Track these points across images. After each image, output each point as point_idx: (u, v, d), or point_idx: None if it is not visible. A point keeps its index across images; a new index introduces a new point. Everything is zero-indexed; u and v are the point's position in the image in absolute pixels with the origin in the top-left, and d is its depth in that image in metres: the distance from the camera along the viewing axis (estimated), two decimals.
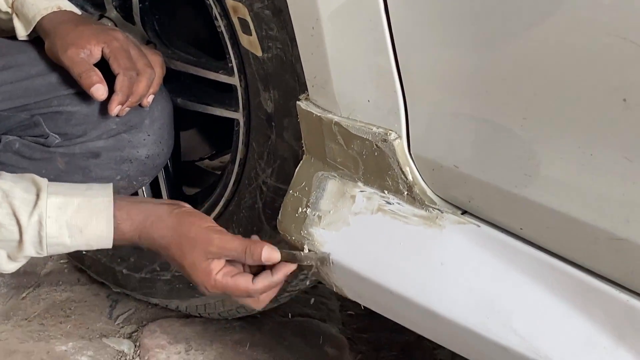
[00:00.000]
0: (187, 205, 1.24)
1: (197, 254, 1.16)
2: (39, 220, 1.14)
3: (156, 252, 1.21)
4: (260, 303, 1.22)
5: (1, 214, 1.13)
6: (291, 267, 1.20)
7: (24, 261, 1.19)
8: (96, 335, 1.74)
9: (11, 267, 1.19)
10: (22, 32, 1.38)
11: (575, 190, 0.93)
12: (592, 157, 0.90)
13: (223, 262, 1.18)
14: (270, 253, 1.17)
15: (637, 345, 0.94)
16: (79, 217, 1.16)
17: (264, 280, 1.18)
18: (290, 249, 1.25)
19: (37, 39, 1.38)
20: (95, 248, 1.20)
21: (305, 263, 1.20)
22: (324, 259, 1.19)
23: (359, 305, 1.27)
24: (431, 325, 1.12)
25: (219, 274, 1.17)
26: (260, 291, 1.18)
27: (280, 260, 1.19)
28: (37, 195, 1.15)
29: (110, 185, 1.21)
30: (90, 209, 1.17)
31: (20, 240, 1.14)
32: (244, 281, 1.17)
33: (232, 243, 1.17)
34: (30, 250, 1.16)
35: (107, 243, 1.18)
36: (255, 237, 1.22)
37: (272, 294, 1.22)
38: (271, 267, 1.19)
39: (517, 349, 1.01)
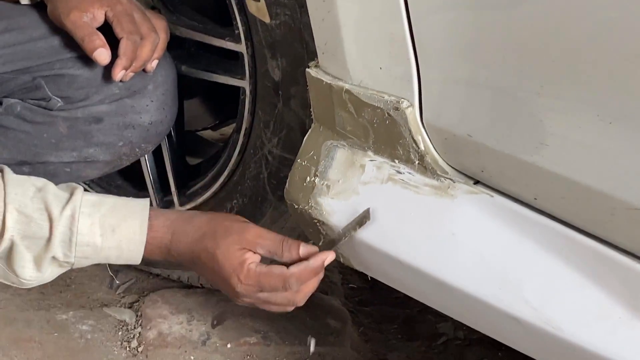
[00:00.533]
0: None
1: (231, 241, 1.13)
2: (72, 215, 1.11)
3: (188, 256, 1.16)
4: (299, 295, 1.16)
5: (32, 208, 1.10)
6: (331, 256, 1.15)
7: (46, 273, 1.13)
8: (97, 304, 1.73)
9: (34, 275, 1.12)
10: None
11: (593, 159, 0.92)
12: (611, 126, 0.88)
13: (258, 258, 1.14)
14: (307, 249, 1.14)
15: None
16: (113, 215, 1.13)
17: (299, 265, 1.13)
18: (297, 220, 1.24)
19: (40, 2, 1.36)
20: (125, 255, 1.15)
21: (344, 239, 1.16)
22: (365, 218, 1.14)
23: (361, 278, 1.26)
24: (441, 296, 1.11)
25: (252, 264, 1.13)
26: (298, 276, 1.13)
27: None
28: (72, 193, 1.13)
29: (147, 200, 1.19)
30: (125, 209, 1.15)
31: (50, 238, 1.10)
32: (278, 268, 1.13)
33: (269, 234, 1.15)
34: (58, 250, 1.11)
35: (139, 246, 1.14)
36: None
37: (311, 285, 1.16)
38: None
39: (529, 320, 1.00)
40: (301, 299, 1.17)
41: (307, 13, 1.14)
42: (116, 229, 1.13)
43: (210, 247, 1.14)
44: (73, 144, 1.37)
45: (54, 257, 1.12)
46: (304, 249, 1.14)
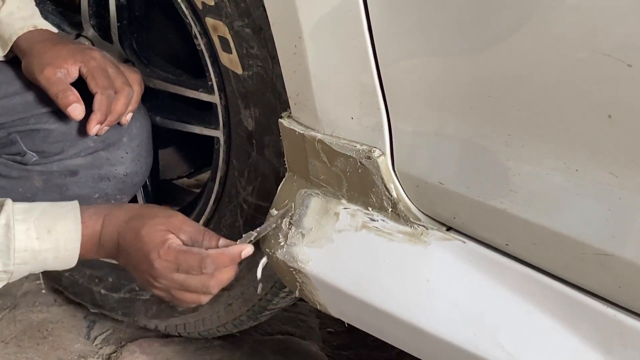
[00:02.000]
0: None
1: (157, 222, 1.15)
2: (7, 223, 1.11)
3: (114, 240, 1.17)
4: (213, 281, 1.15)
5: None
6: (249, 249, 1.15)
7: None
8: (74, 356, 1.72)
9: None
10: None
11: (561, 205, 0.94)
12: (578, 173, 0.90)
13: (179, 242, 1.15)
14: (227, 241, 1.17)
15: (625, 359, 0.94)
16: (46, 217, 1.14)
17: (217, 249, 1.15)
18: (273, 268, 1.25)
19: (14, 58, 1.37)
20: (62, 255, 1.15)
21: (267, 231, 1.19)
22: (288, 211, 1.19)
23: (339, 322, 1.26)
24: (417, 342, 1.12)
25: (173, 244, 1.14)
26: (213, 258, 1.13)
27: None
28: (2, 205, 1.13)
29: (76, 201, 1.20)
30: (56, 210, 1.16)
31: None
32: (197, 249, 1.14)
33: (194, 223, 1.18)
34: None
35: (76, 243, 1.15)
36: None
37: (226, 274, 1.16)
38: None
39: None
40: (214, 285, 1.16)
41: (279, 64, 1.16)
42: (51, 229, 1.14)
43: (136, 227, 1.15)
44: (48, 198, 1.38)
45: None
46: (223, 241, 1.16)
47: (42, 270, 1.18)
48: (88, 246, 1.17)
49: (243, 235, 1.19)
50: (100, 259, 1.68)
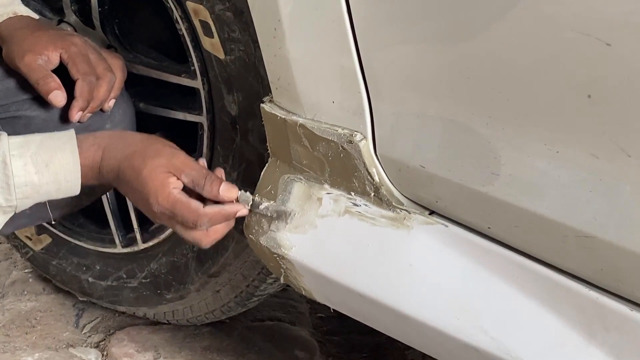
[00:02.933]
0: None
1: (158, 163, 1.14)
2: (3, 160, 1.11)
3: (115, 172, 1.17)
4: (208, 237, 1.18)
5: None
6: (244, 210, 1.18)
7: None
8: (63, 345, 1.71)
9: None
10: None
11: (542, 188, 0.93)
12: (558, 154, 0.89)
13: (181, 185, 1.15)
14: (228, 188, 1.16)
15: (608, 342, 0.93)
16: (42, 151, 1.14)
17: (214, 207, 1.16)
18: (257, 254, 1.24)
19: None
20: (64, 187, 1.16)
21: (260, 210, 1.20)
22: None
23: (329, 308, 1.26)
24: (401, 327, 1.11)
25: (175, 189, 1.14)
26: (210, 217, 1.15)
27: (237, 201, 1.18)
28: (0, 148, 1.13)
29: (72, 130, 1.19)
30: (53, 142, 1.15)
31: None
32: (196, 204, 1.15)
33: (196, 165, 1.17)
34: None
35: (75, 174, 1.15)
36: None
37: (221, 230, 1.19)
38: None
39: (487, 349, 1.00)
40: (207, 242, 1.19)
41: (260, 48, 1.14)
42: (49, 163, 1.14)
43: (137, 166, 1.15)
44: None
45: None
46: (225, 188, 1.16)
47: (48, 200, 1.19)
48: (89, 176, 1.18)
49: (240, 191, 1.19)
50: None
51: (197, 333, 1.73)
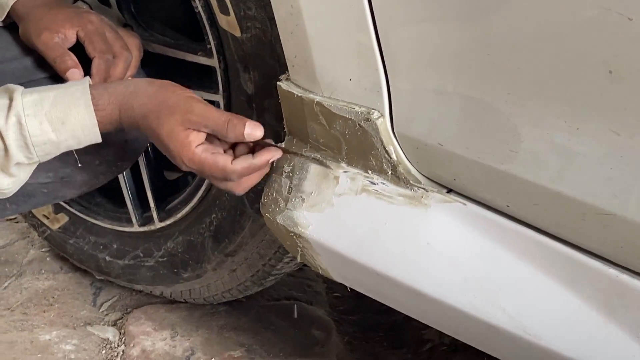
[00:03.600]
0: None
1: (175, 121, 1.11)
2: (18, 121, 1.10)
3: (135, 129, 1.15)
4: (240, 186, 1.16)
5: None
6: (276, 154, 1.15)
7: (20, 175, 1.15)
8: (80, 323, 1.72)
9: (7, 182, 1.14)
10: None
11: (562, 165, 0.92)
12: (579, 131, 0.88)
13: (203, 137, 1.12)
14: (253, 128, 1.12)
15: (627, 320, 0.93)
16: (57, 109, 1.12)
17: (243, 161, 1.13)
18: (274, 233, 1.24)
19: (12, 23, 1.35)
20: (84, 139, 1.15)
21: (291, 149, 1.18)
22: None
23: (345, 287, 1.26)
24: (419, 306, 1.11)
25: (198, 148, 1.11)
26: (239, 173, 1.13)
27: (265, 143, 1.15)
28: (11, 99, 1.12)
29: (87, 77, 1.18)
30: (67, 98, 1.13)
31: (5, 148, 1.10)
32: (223, 159, 1.12)
33: (214, 112, 1.12)
34: (19, 155, 1.12)
35: (94, 130, 1.14)
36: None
37: (254, 178, 1.16)
38: (253, 153, 1.15)
39: (506, 328, 1.00)
40: (241, 190, 1.17)
41: (277, 26, 1.14)
42: (65, 121, 1.12)
43: (154, 127, 1.13)
44: (49, 165, 1.36)
45: (18, 162, 1.13)
46: (249, 131, 1.11)
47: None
48: (108, 128, 1.16)
49: (267, 140, 1.15)
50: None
51: (213, 312, 1.74)
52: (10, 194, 1.18)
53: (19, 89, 1.13)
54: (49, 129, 1.12)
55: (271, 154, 1.14)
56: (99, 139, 1.16)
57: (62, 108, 1.12)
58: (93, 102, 1.13)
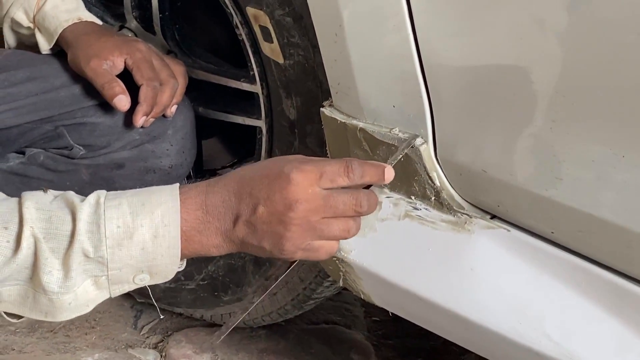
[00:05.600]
0: None
1: (292, 166, 0.94)
2: (97, 201, 0.94)
3: (228, 208, 0.95)
4: (365, 202, 0.95)
5: (53, 206, 0.94)
6: (391, 173, 0.96)
7: (77, 278, 0.93)
8: (122, 346, 1.74)
9: (60, 285, 0.92)
10: (45, 47, 1.38)
11: (607, 192, 0.92)
12: (624, 159, 0.89)
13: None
14: (387, 169, 0.95)
15: None
16: (140, 194, 0.95)
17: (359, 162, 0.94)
18: None
19: (60, 50, 1.39)
20: (162, 231, 0.93)
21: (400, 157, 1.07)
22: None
23: (384, 311, 1.26)
24: (462, 332, 1.11)
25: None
26: (358, 163, 0.94)
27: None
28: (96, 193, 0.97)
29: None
30: (152, 188, 0.97)
31: (74, 229, 0.91)
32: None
33: (329, 160, 0.99)
34: (85, 241, 0.91)
35: (174, 213, 0.93)
36: None
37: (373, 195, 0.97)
38: None
39: (551, 354, 1.00)
40: (367, 207, 0.96)
41: (320, 53, 1.15)
42: (146, 202, 0.94)
43: (264, 175, 0.95)
44: (95, 190, 1.38)
45: (83, 253, 0.92)
46: (388, 170, 0.95)
47: (143, 268, 0.95)
48: (191, 221, 0.95)
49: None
50: None
51: (253, 335, 1.75)
52: (60, 319, 0.98)
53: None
54: (126, 210, 0.94)
55: (385, 165, 0.97)
56: (176, 243, 0.95)
57: (144, 194, 0.96)
58: (180, 195, 0.96)
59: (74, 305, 0.95)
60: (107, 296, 0.97)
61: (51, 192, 0.98)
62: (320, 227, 0.94)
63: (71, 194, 0.97)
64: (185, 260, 1.01)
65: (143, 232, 0.94)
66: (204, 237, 0.96)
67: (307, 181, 0.93)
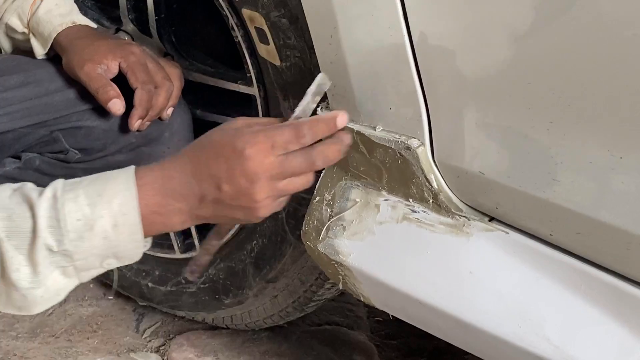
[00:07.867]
0: None
1: (244, 140, 0.97)
2: (54, 195, 0.95)
3: (189, 189, 0.98)
4: (319, 156, 1.00)
5: (11, 203, 0.95)
6: (344, 117, 1.01)
7: (45, 272, 0.95)
8: (124, 349, 1.74)
9: (30, 281, 0.95)
10: (40, 51, 1.37)
11: (605, 194, 0.91)
12: (622, 160, 0.88)
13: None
14: (342, 116, 1.01)
15: None
16: (95, 184, 0.97)
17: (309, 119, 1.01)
18: (315, 261, 1.24)
19: (55, 55, 1.38)
20: (121, 220, 0.95)
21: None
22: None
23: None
24: (461, 335, 1.10)
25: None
26: (308, 126, 0.99)
27: None
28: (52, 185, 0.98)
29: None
30: (106, 175, 0.99)
31: (34, 225, 0.93)
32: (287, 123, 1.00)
33: (278, 126, 1.00)
34: (47, 236, 0.93)
35: (132, 201, 0.96)
36: None
37: (332, 149, 1.01)
38: None
39: (551, 358, 0.98)
40: (321, 162, 1.01)
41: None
42: (103, 193, 0.96)
43: (229, 135, 1.00)
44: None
45: (47, 248, 0.94)
46: (341, 119, 1.01)
47: (109, 255, 0.98)
48: (151, 195, 0.98)
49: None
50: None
51: (255, 337, 1.74)
52: (34, 311, 1.00)
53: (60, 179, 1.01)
54: (84, 202, 0.96)
55: (336, 113, 1.01)
56: (137, 229, 0.97)
57: (100, 182, 0.99)
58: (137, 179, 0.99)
59: (47, 297, 0.98)
60: (77, 283, 1.01)
61: (8, 186, 1.00)
62: (284, 187, 1.00)
63: (29, 187, 0.99)
64: (151, 237, 1.05)
65: (103, 223, 0.96)
66: (166, 219, 1.00)
67: (261, 153, 0.97)
